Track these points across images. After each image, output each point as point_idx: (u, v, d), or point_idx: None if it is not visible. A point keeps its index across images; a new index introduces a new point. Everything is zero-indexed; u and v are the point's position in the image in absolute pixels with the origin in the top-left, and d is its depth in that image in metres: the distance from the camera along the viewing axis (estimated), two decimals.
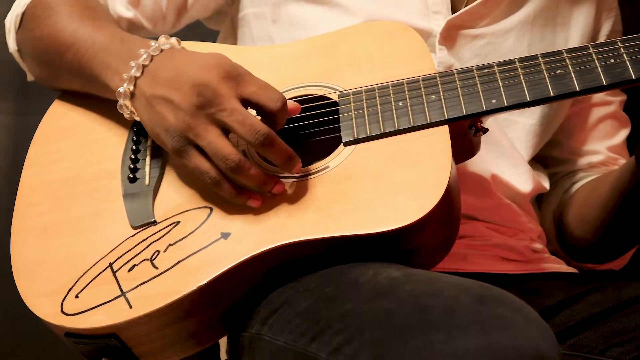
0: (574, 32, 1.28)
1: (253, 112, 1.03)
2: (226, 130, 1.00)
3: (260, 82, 1.01)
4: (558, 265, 1.27)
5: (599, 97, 1.35)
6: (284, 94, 1.11)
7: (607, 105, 1.35)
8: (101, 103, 1.15)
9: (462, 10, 1.22)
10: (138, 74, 1.04)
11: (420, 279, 0.89)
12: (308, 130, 1.10)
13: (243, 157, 0.99)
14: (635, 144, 1.18)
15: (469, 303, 0.81)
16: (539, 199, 1.38)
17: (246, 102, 1.01)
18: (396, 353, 0.79)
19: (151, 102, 1.03)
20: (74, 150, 1.14)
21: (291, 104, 1.04)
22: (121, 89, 1.05)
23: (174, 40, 1.08)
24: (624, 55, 1.00)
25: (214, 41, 1.39)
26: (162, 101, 1.02)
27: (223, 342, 1.18)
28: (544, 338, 0.79)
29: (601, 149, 1.35)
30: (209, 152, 0.99)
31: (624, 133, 1.37)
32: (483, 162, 1.19)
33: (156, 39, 1.08)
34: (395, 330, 0.81)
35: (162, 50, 1.06)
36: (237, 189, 1.01)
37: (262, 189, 1.01)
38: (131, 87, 1.05)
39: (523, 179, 1.25)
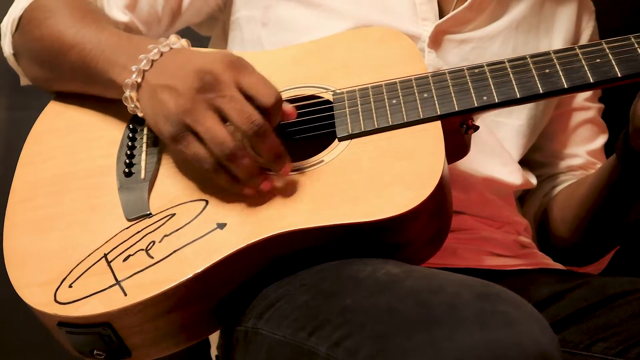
0: (556, 39, 1.31)
1: None
2: (224, 119, 1.00)
3: (260, 76, 1.01)
4: (546, 261, 1.28)
5: (578, 102, 1.38)
6: None
7: (586, 110, 1.38)
8: (97, 105, 1.15)
9: (448, 16, 1.25)
10: (147, 68, 1.04)
11: (420, 275, 0.88)
12: (302, 127, 1.11)
13: (239, 144, 0.99)
14: (611, 153, 1.21)
15: (471, 299, 0.81)
16: (521, 200, 1.41)
17: (243, 94, 1.00)
18: (399, 348, 0.79)
19: (155, 90, 1.03)
20: (68, 148, 1.14)
21: (287, 107, 1.04)
22: (128, 81, 1.04)
23: (184, 41, 1.08)
24: (609, 55, 1.03)
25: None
26: (165, 89, 1.01)
27: (213, 339, 1.18)
28: (545, 335, 0.79)
29: (581, 152, 1.38)
30: (206, 137, 0.99)
31: (602, 139, 1.40)
32: (471, 162, 1.21)
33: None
34: (397, 325, 0.81)
35: (171, 48, 1.06)
36: (235, 177, 1.01)
37: (250, 181, 1.00)
38: (139, 79, 1.04)
39: (513, 177, 1.27)
